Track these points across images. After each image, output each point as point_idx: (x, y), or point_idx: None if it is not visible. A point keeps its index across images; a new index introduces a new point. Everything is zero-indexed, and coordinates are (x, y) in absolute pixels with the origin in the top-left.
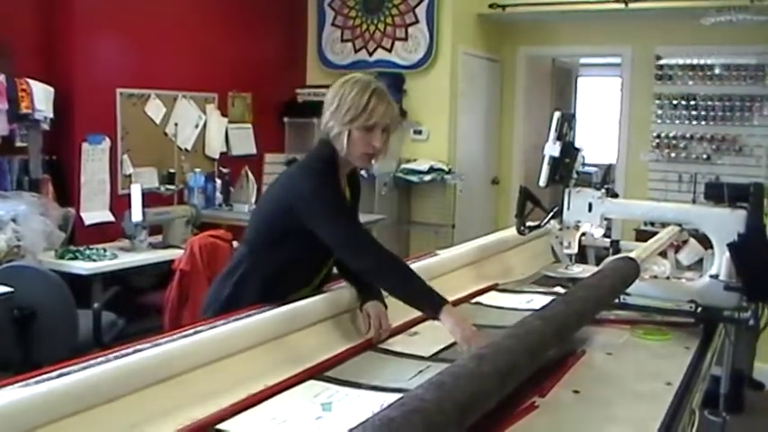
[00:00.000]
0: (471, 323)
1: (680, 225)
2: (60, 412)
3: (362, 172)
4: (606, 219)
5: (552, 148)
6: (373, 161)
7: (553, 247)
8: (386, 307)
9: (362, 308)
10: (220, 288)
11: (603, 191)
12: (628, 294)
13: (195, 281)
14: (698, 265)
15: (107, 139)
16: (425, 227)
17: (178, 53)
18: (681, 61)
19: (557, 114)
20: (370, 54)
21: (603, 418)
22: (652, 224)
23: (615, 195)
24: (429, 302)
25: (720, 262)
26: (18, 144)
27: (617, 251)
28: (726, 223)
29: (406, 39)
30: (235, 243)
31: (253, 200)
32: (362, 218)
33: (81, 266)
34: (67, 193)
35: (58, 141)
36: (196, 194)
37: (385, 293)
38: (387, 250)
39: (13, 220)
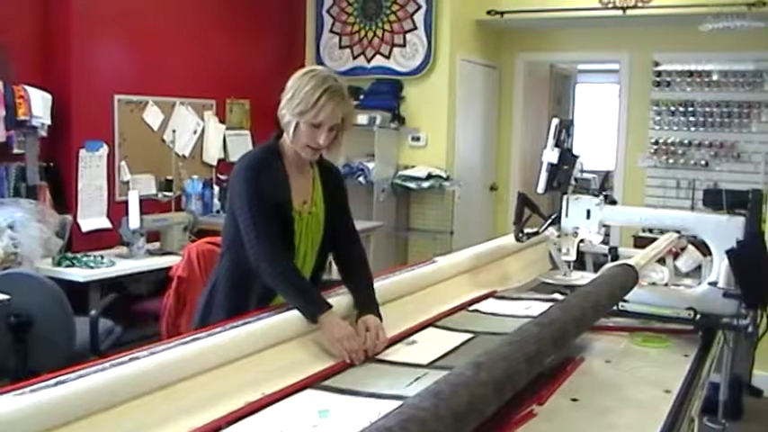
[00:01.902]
0: (347, 332)
1: (678, 232)
2: (57, 421)
3: (360, 178)
4: (604, 225)
5: (550, 155)
6: (324, 154)
7: (551, 253)
8: (381, 319)
9: (358, 320)
10: (201, 295)
11: (602, 197)
12: (626, 301)
13: (193, 288)
14: (696, 272)
15: (105, 146)
16: (424, 233)
17: (176, 60)
18: (679, 68)
19: (555, 121)
20: (369, 60)
21: (602, 425)
22: (650, 231)
23: (614, 202)
24: (306, 309)
25: (719, 269)
26: (15, 151)
27: (615, 258)
28: (724, 230)
29: (404, 45)
30: None
31: None
32: (360, 224)
33: (78, 273)
34: (65, 199)
35: (56, 148)
36: (194, 201)
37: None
38: (280, 250)
39: (10, 227)
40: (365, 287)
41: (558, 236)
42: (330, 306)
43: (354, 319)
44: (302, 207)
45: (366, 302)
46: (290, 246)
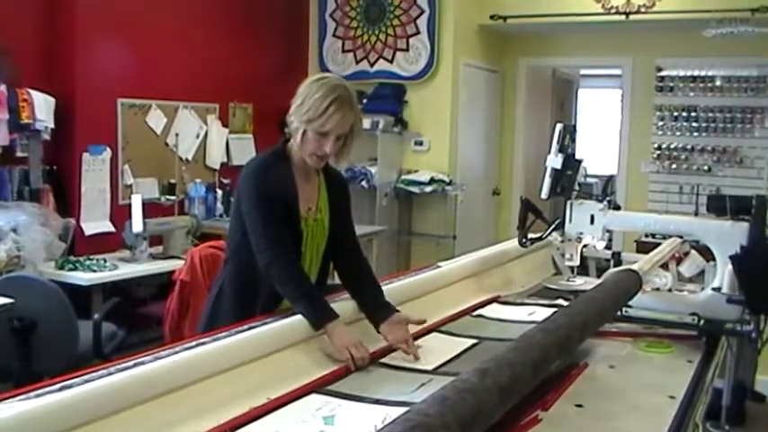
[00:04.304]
0: (356, 340)
1: (681, 237)
2: (62, 426)
3: (362, 183)
4: (608, 231)
5: (554, 160)
6: (331, 161)
7: (554, 258)
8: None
9: (387, 322)
10: (207, 301)
11: (606, 203)
12: (630, 306)
13: (195, 292)
14: (699, 277)
15: (108, 150)
16: (426, 238)
17: (179, 63)
18: (682, 73)
19: (559, 126)
20: (372, 65)
21: (607, 431)
22: (653, 235)
23: (617, 207)
24: (312, 316)
25: (723, 275)
26: (19, 154)
27: (618, 263)
28: (728, 236)
29: (407, 49)
30: None
31: None
32: (363, 229)
33: (81, 277)
34: (68, 203)
35: (59, 151)
36: (197, 205)
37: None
38: (289, 254)
39: (14, 231)
40: (377, 291)
41: (562, 241)
42: (337, 315)
43: (374, 324)
44: (308, 213)
45: (384, 304)
46: (297, 252)
